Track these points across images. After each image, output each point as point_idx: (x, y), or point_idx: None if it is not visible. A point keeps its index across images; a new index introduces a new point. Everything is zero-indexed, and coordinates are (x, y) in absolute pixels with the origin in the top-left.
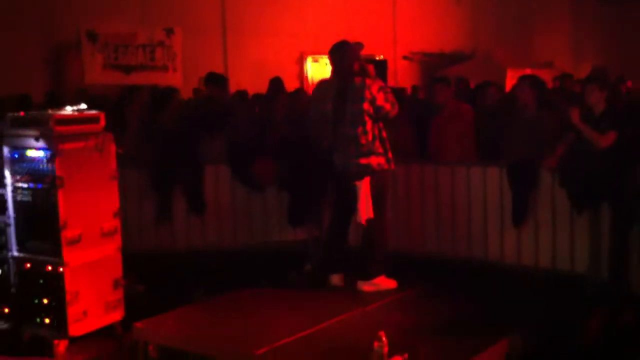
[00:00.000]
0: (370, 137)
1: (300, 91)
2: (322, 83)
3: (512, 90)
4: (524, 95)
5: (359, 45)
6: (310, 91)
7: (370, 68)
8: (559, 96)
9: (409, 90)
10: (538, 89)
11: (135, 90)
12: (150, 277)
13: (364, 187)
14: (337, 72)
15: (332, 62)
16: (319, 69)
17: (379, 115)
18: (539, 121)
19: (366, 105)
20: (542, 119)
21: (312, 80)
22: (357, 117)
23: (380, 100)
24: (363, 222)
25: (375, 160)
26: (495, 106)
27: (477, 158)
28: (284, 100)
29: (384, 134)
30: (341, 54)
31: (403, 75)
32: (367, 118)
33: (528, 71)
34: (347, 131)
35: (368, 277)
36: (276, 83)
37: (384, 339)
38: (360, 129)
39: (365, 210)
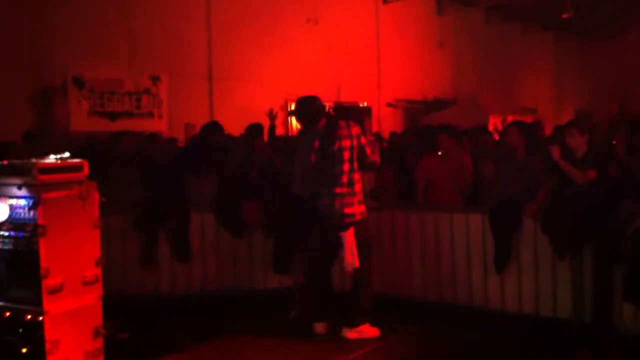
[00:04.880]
0: (356, 177)
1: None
2: (305, 137)
3: (502, 136)
4: (514, 139)
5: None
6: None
7: (367, 123)
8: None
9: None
10: (527, 136)
11: (123, 134)
12: (132, 323)
13: (349, 237)
14: (314, 126)
15: (301, 120)
16: None
17: (365, 160)
18: (528, 165)
19: (350, 142)
20: (532, 163)
21: (297, 127)
22: (342, 155)
23: (365, 143)
24: (350, 271)
25: (359, 209)
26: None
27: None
28: (260, 143)
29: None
30: (307, 108)
31: (387, 122)
32: (350, 156)
33: (510, 118)
34: (333, 171)
35: (353, 324)
36: (255, 129)
37: None
38: (346, 167)
39: (351, 259)
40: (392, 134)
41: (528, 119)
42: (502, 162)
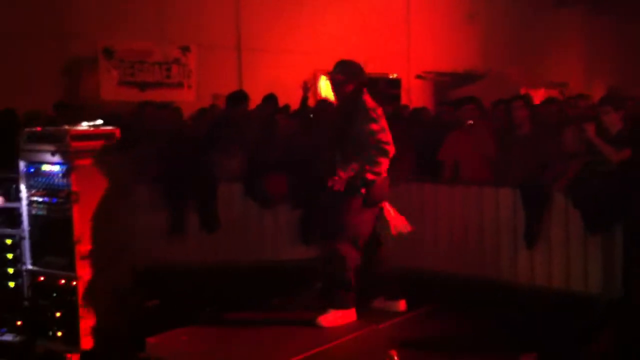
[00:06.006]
0: None
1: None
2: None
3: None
4: (520, 114)
5: None
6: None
7: None
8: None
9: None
10: (531, 109)
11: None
12: (161, 293)
13: (388, 205)
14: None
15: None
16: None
17: None
18: (534, 140)
19: None
20: (537, 138)
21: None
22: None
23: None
24: (405, 231)
25: None
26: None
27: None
28: (282, 117)
29: None
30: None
31: (416, 94)
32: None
33: (542, 91)
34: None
35: (396, 296)
36: (270, 102)
37: (395, 357)
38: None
39: (401, 224)
40: (401, 107)
41: (557, 94)
42: (505, 139)
